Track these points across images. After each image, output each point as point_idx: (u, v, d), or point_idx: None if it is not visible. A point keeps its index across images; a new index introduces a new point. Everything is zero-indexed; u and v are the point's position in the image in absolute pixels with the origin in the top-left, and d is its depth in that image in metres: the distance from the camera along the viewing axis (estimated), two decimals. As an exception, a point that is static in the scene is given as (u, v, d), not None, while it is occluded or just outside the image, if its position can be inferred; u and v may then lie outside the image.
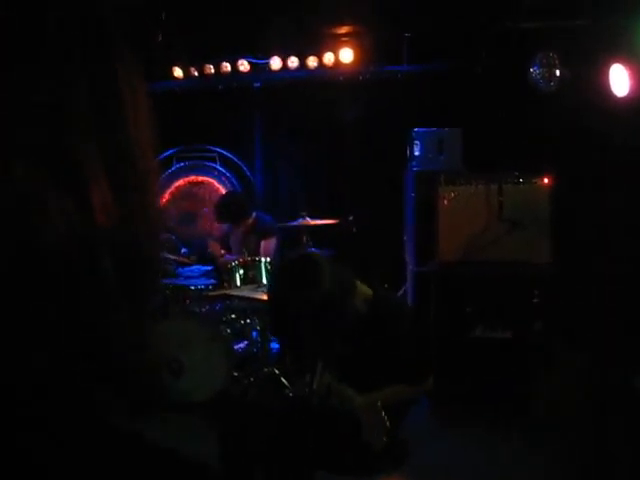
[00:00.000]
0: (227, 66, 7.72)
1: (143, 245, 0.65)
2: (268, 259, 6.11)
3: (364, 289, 2.95)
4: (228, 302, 6.12)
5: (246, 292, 5.54)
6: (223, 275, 6.26)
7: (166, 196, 8.34)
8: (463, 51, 7.05)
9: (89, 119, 0.62)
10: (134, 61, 0.73)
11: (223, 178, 8.18)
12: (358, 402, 2.82)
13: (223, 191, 8.13)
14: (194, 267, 7.16)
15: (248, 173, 8.17)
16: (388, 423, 2.74)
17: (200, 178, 8.28)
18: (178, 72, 7.87)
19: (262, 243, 6.65)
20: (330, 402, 2.85)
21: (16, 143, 0.56)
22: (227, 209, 6.63)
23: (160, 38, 6.34)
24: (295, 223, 6.25)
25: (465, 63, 7.08)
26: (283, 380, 5.55)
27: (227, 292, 5.74)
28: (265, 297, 5.22)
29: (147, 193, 0.67)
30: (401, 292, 7.04)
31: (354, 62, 7.47)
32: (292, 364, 3.48)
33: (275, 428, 3.05)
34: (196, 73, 7.84)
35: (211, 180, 8.25)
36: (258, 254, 6.50)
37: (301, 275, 2.70)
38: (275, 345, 5.93)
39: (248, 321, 5.99)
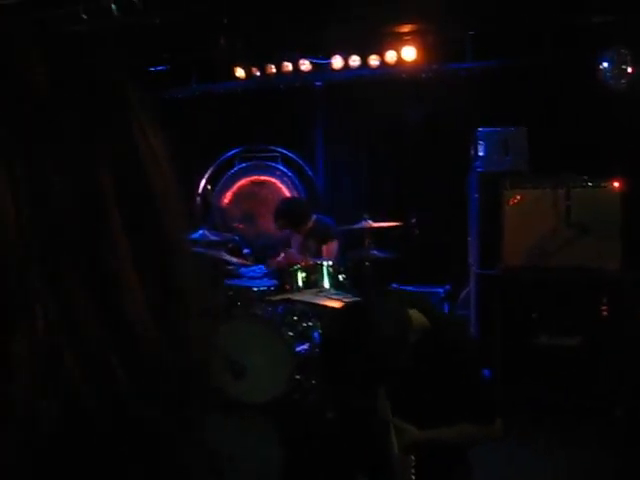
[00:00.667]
0: (288, 66, 7.71)
1: (194, 373, 0.59)
2: (330, 262, 6.08)
3: (420, 319, 2.82)
4: (290, 305, 6.11)
5: (308, 296, 5.51)
6: (285, 277, 6.26)
7: (228, 196, 8.39)
8: (529, 47, 6.87)
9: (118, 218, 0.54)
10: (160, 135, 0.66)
11: (285, 178, 8.18)
12: (416, 436, 2.72)
13: (286, 191, 8.15)
14: (256, 267, 7.20)
15: (310, 173, 8.15)
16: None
17: (262, 178, 8.30)
18: (240, 72, 7.88)
19: (324, 248, 6.63)
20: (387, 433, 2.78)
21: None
22: (285, 216, 6.65)
23: (222, 41, 6.37)
24: (357, 226, 6.20)
25: (531, 60, 6.89)
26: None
27: (290, 297, 5.73)
28: (327, 302, 5.19)
29: (189, 305, 0.59)
30: (464, 293, 6.96)
31: (417, 60, 7.35)
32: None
33: (334, 433, 3.01)
34: (258, 73, 7.83)
35: (273, 180, 8.26)
36: (319, 257, 6.50)
37: (352, 323, 2.64)
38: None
39: (310, 324, 5.96)
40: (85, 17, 4.98)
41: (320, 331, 5.55)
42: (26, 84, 0.53)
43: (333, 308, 5.00)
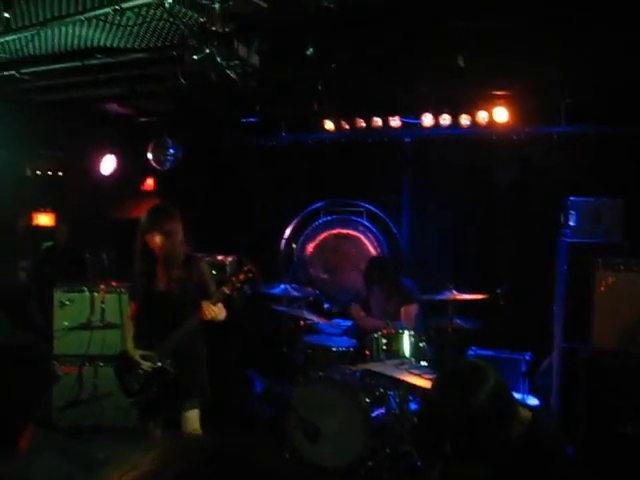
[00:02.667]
0: (378, 121, 7.70)
1: None
2: (412, 332, 6.03)
3: (523, 412, 2.82)
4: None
5: (390, 369, 5.46)
6: (365, 341, 6.23)
7: (311, 248, 8.42)
8: (627, 114, 6.68)
9: None
10: None
11: (369, 234, 8.16)
12: None
13: (369, 246, 8.13)
14: (335, 322, 7.20)
15: (395, 230, 8.10)
16: None
17: (346, 231, 8.30)
18: (329, 125, 7.92)
19: (403, 309, 6.60)
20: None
21: None
22: (383, 268, 6.68)
23: (316, 106, 6.42)
24: (441, 297, 6.12)
25: (630, 127, 6.70)
26: (418, 463, 5.45)
27: (370, 367, 5.69)
28: (408, 378, 5.13)
29: None
30: (546, 363, 6.80)
31: (509, 121, 7.23)
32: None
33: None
34: (347, 126, 7.85)
35: (357, 234, 8.25)
36: (398, 318, 6.46)
37: (462, 381, 2.62)
38: (414, 418, 5.82)
39: (388, 391, 5.91)
40: (183, 81, 5.07)
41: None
42: None
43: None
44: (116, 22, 4.22)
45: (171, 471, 0.74)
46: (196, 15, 4.23)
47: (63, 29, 4.59)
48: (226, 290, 4.68)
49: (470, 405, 2.55)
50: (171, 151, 8.23)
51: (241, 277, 4.69)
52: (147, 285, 4.88)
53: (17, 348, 1.87)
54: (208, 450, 0.79)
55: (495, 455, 2.67)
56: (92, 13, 3.90)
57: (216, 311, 4.67)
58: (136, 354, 4.82)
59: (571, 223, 6.26)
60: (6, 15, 3.65)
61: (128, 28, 4.37)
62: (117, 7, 3.73)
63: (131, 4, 3.74)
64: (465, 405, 2.55)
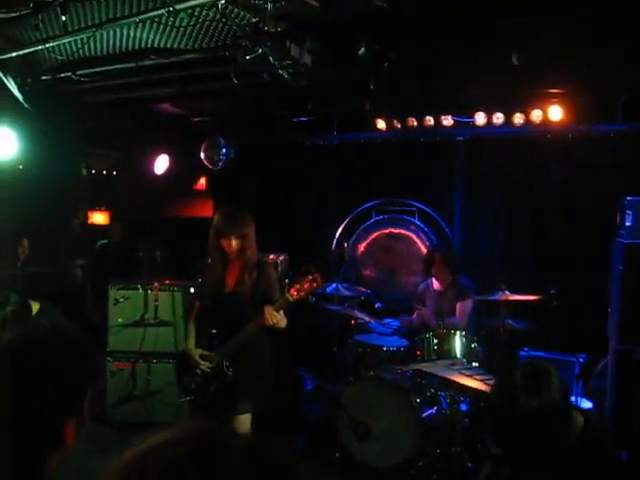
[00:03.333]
0: (430, 120, 7.65)
1: None
2: (464, 332, 5.98)
3: (577, 416, 2.76)
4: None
5: (441, 369, 5.44)
6: (417, 342, 6.20)
7: (362, 248, 8.42)
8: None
9: None
10: None
11: (421, 233, 8.12)
12: None
13: (421, 246, 8.09)
14: (386, 321, 7.18)
15: (447, 230, 8.04)
16: None
17: (398, 231, 8.27)
18: (381, 124, 7.90)
19: (458, 305, 6.58)
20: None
21: None
22: (449, 257, 6.77)
23: (368, 105, 6.41)
24: (494, 297, 6.05)
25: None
26: (469, 464, 5.41)
27: (421, 368, 5.67)
28: (459, 379, 5.09)
29: None
30: (601, 365, 6.68)
31: (563, 120, 7.11)
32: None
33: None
34: (399, 125, 7.82)
35: (409, 234, 8.21)
36: (452, 314, 6.43)
37: (531, 379, 2.59)
38: (465, 419, 5.78)
39: (439, 392, 5.87)
40: (235, 81, 5.11)
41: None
42: None
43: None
44: (170, 23, 4.26)
45: (159, 460, 0.76)
46: (249, 15, 4.26)
47: (118, 31, 4.66)
48: (290, 298, 4.67)
49: (543, 402, 2.51)
50: (223, 151, 8.31)
51: (306, 286, 4.67)
52: (216, 286, 4.92)
53: (66, 338, 1.89)
54: (196, 440, 0.81)
55: (558, 458, 2.63)
56: (146, 15, 3.95)
57: (278, 318, 4.67)
58: (196, 353, 4.86)
59: (627, 223, 6.12)
60: (63, 18, 3.72)
61: (181, 29, 4.42)
62: (171, 8, 3.77)
63: (185, 5, 3.77)
64: (529, 404, 2.51)
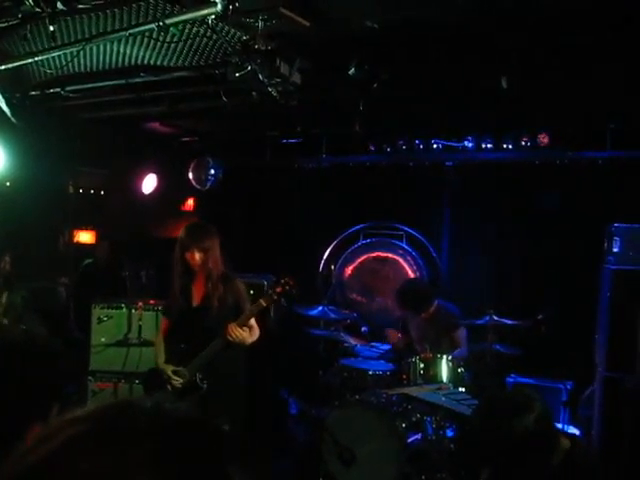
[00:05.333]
0: (420, 144, 7.66)
1: None
2: (450, 357, 5.93)
3: (563, 440, 2.75)
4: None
5: (427, 394, 5.38)
6: (403, 366, 6.14)
7: (349, 271, 8.38)
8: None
9: None
10: None
11: (408, 257, 8.09)
12: None
13: (408, 270, 8.06)
14: (373, 345, 7.12)
15: (434, 254, 8.02)
16: None
17: (385, 255, 8.24)
18: (370, 147, 7.91)
19: (454, 335, 6.48)
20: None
21: None
22: (408, 298, 6.55)
23: (357, 128, 6.40)
24: (481, 322, 6.01)
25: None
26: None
27: (407, 392, 5.60)
28: (446, 404, 5.04)
29: None
30: (588, 392, 6.64)
31: (551, 145, 7.15)
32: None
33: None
34: (388, 149, 7.83)
35: (396, 257, 8.18)
36: (438, 344, 6.33)
37: (509, 405, 2.58)
38: (451, 445, 5.70)
39: (425, 417, 5.80)
40: (225, 99, 5.10)
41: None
42: None
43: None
44: (160, 39, 4.25)
45: (62, 436, 0.74)
46: (239, 33, 4.25)
47: (108, 46, 4.64)
48: (263, 302, 4.66)
49: (517, 428, 2.50)
50: (212, 171, 8.28)
51: (278, 290, 4.67)
52: (183, 301, 4.88)
53: (30, 343, 1.88)
54: (100, 419, 0.79)
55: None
56: (136, 29, 3.94)
57: (242, 334, 4.65)
58: (168, 369, 4.80)
59: (615, 250, 6.12)
60: (51, 28, 3.69)
61: (172, 46, 4.40)
62: (161, 23, 3.75)
63: (175, 20, 3.75)
64: (512, 428, 2.51)
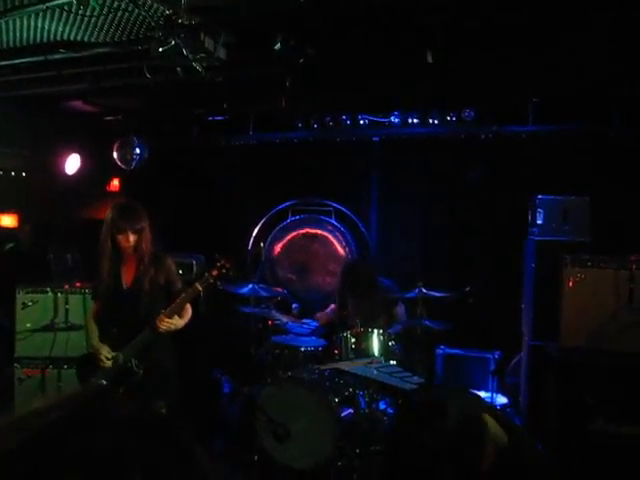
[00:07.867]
0: (346, 120, 7.67)
1: None
2: (381, 331, 5.98)
3: (499, 433, 2.62)
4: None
5: (358, 368, 5.41)
6: (334, 341, 6.17)
7: (279, 248, 8.35)
8: (596, 114, 6.70)
9: None
10: None
11: (337, 233, 8.11)
12: None
13: (337, 246, 8.08)
14: (304, 322, 7.13)
15: (363, 229, 8.06)
16: None
17: (314, 231, 8.24)
18: (297, 123, 7.87)
19: (393, 311, 6.54)
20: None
21: None
22: (357, 280, 6.57)
23: (284, 103, 6.36)
24: (411, 295, 6.08)
25: (597, 127, 6.72)
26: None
27: (339, 367, 5.63)
28: (377, 377, 5.09)
29: None
30: (515, 361, 6.81)
31: (476, 120, 7.25)
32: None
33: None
34: (315, 125, 7.81)
35: (325, 234, 8.19)
36: (374, 320, 6.35)
37: (423, 413, 2.52)
38: (384, 418, 5.77)
39: (357, 391, 5.85)
40: (149, 76, 4.99)
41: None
42: None
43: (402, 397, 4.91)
44: (80, 13, 4.12)
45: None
46: (162, 7, 4.16)
47: (25, 21, 4.48)
48: (199, 287, 4.61)
49: (434, 433, 2.45)
50: (137, 150, 8.11)
51: (214, 273, 4.63)
52: (112, 284, 4.79)
53: None
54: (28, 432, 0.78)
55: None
56: (54, 2, 3.81)
57: (173, 323, 4.65)
58: (103, 349, 4.72)
59: (539, 221, 6.27)
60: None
61: (92, 19, 4.28)
62: (80, -4, 3.64)
63: (95, -7, 3.65)
64: (430, 432, 2.45)
